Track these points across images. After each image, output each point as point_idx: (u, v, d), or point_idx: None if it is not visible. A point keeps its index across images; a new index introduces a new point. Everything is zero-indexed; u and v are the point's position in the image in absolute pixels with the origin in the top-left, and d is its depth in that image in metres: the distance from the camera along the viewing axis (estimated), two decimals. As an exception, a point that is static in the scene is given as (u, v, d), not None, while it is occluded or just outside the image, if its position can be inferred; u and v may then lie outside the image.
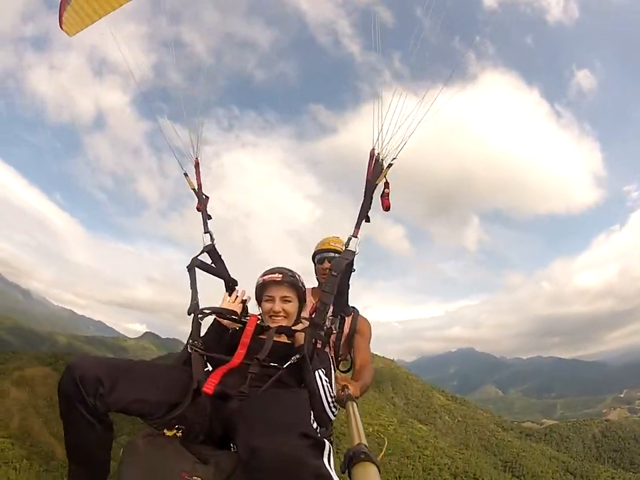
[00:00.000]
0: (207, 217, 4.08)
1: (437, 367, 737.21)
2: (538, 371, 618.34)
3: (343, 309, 3.72)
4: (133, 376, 2.45)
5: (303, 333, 3.13)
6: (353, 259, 3.43)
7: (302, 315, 3.59)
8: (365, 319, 4.60)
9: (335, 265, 3.29)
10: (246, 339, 3.07)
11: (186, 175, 4.23)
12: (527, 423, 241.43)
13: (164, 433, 2.48)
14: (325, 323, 3.26)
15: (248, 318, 3.29)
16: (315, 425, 2.64)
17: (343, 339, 4.37)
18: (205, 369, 2.92)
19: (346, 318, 4.21)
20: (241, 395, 2.69)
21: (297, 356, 2.92)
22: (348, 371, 4.46)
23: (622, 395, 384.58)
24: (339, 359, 4.40)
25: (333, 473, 1.96)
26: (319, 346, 3.35)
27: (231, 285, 3.90)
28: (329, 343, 3.87)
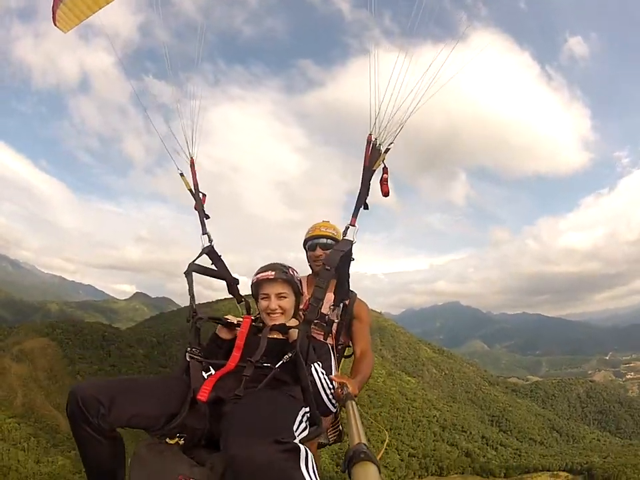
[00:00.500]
0: (204, 217, 4.06)
1: (424, 320, 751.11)
2: (524, 328, 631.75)
3: (344, 297, 3.86)
4: (130, 393, 2.56)
5: (297, 329, 3.18)
6: (351, 248, 3.46)
7: (301, 306, 3.59)
8: (362, 303, 4.42)
9: (329, 259, 3.34)
10: (240, 341, 3.14)
11: (182, 174, 4.16)
12: (512, 379, 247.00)
13: (166, 441, 2.60)
14: (317, 318, 3.37)
15: (242, 322, 3.31)
16: (303, 426, 2.60)
17: (345, 324, 4.28)
18: (208, 373, 3.01)
19: (344, 302, 4.16)
20: (236, 397, 2.76)
21: (290, 354, 2.99)
22: (351, 355, 4.38)
23: (607, 358, 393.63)
24: (339, 347, 4.30)
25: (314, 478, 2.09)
26: (320, 338, 3.70)
27: (232, 284, 3.96)
28: (331, 332, 4.03)
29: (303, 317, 3.32)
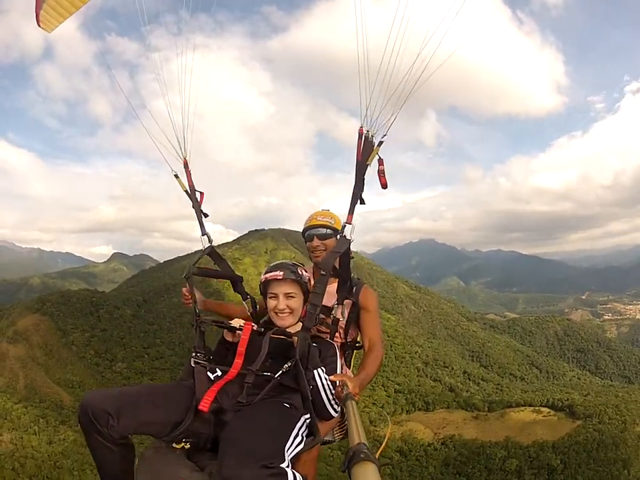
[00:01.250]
0: (202, 217, 4.05)
1: (399, 259, 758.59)
2: (499, 265, 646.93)
3: (348, 295, 3.85)
4: (137, 403, 2.70)
5: (300, 329, 3.22)
6: (349, 247, 3.43)
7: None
8: (369, 291, 4.23)
9: (324, 264, 3.28)
10: (241, 348, 3.16)
11: (177, 176, 4.12)
12: (490, 315, 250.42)
13: (173, 446, 2.79)
14: (316, 324, 3.28)
15: (243, 326, 3.31)
16: (298, 440, 2.71)
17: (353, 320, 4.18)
18: (214, 375, 3.14)
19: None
20: (239, 404, 2.88)
21: (290, 363, 3.03)
22: (362, 347, 4.20)
23: (584, 297, 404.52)
24: (349, 341, 4.18)
25: None
26: (326, 336, 3.76)
27: (237, 283, 4.04)
28: (337, 330, 3.93)
29: (301, 322, 3.30)
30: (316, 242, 4.18)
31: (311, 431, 2.92)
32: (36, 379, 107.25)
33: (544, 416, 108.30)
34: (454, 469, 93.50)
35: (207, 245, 3.97)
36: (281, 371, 3.01)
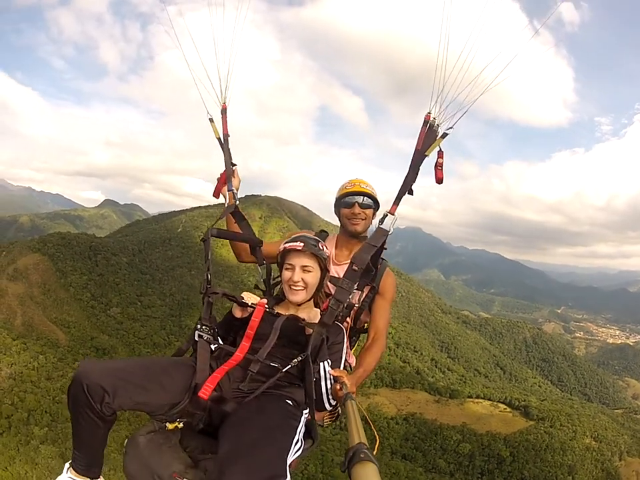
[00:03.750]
0: (231, 170, 3.91)
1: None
2: (481, 264, 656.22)
3: (370, 282, 3.66)
4: (134, 381, 2.59)
5: (318, 323, 3.08)
6: (385, 241, 3.36)
7: (325, 281, 3.48)
8: (390, 276, 3.94)
9: (359, 259, 3.21)
10: (251, 330, 3.04)
11: (211, 120, 3.95)
12: (465, 312, 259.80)
13: (165, 426, 2.71)
14: (334, 321, 3.22)
15: (256, 305, 3.16)
16: (299, 445, 2.55)
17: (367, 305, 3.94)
18: (216, 347, 3.04)
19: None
20: (240, 391, 2.79)
21: (299, 358, 2.93)
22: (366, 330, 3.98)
23: (559, 311, 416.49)
24: (357, 327, 3.95)
25: None
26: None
27: (256, 247, 3.83)
28: (350, 315, 3.71)
29: (320, 315, 3.17)
30: (357, 209, 3.88)
31: (309, 431, 2.83)
32: (33, 317, 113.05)
33: (500, 411, 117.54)
34: (412, 443, 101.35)
35: (232, 202, 3.84)
36: (289, 366, 2.91)
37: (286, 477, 2.20)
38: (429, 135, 3.27)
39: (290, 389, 2.94)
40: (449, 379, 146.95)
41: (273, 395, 2.84)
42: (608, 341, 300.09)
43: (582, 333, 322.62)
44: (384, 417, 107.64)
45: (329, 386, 3.00)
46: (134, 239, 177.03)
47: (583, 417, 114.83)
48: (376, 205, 3.94)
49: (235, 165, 3.94)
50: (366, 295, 3.80)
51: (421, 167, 3.34)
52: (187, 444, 2.74)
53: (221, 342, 3.14)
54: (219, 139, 3.93)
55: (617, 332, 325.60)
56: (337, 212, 4.05)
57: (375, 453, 2.01)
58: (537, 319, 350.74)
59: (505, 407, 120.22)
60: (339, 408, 3.51)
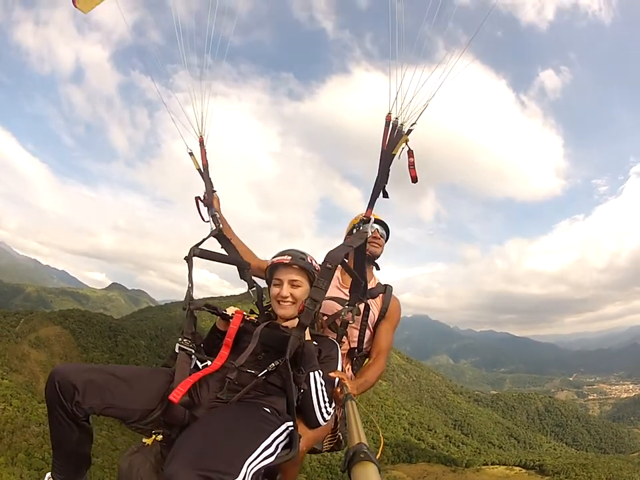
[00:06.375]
0: (212, 198, 4.05)
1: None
2: (490, 345, 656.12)
3: (361, 297, 3.69)
4: (107, 383, 2.60)
5: (296, 326, 3.05)
6: (364, 244, 3.39)
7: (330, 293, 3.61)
8: (396, 300, 4.27)
9: (332, 256, 3.07)
10: (229, 338, 3.07)
11: (191, 154, 4.10)
12: (476, 391, 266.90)
13: (144, 444, 2.79)
14: (314, 322, 3.29)
15: (233, 314, 3.24)
16: (269, 451, 2.43)
17: (369, 327, 4.15)
18: (203, 364, 3.07)
19: (373, 300, 4.15)
20: (218, 400, 2.80)
21: (277, 362, 2.87)
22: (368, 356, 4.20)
23: (571, 379, 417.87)
24: (360, 353, 4.14)
25: None
26: (332, 336, 3.55)
27: (244, 270, 3.86)
28: (346, 334, 3.80)
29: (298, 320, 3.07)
30: (377, 233, 4.20)
31: (291, 441, 2.68)
32: None
33: (516, 473, 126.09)
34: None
35: (215, 226, 3.88)
36: (265, 370, 2.86)
37: (235, 477, 2.08)
38: (394, 135, 3.26)
39: (272, 397, 2.90)
40: (463, 452, 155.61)
41: (249, 402, 2.83)
42: (622, 396, 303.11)
43: (595, 394, 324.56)
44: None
45: (320, 398, 2.93)
46: (150, 324, 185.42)
47: (598, 464, 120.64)
48: (387, 236, 4.42)
49: (215, 191, 4.11)
50: (363, 314, 3.97)
51: (390, 167, 3.30)
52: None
53: (202, 354, 3.14)
54: (199, 170, 4.07)
55: (631, 386, 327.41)
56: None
57: (379, 454, 2.06)
58: (550, 390, 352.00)
59: (520, 468, 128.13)
60: (339, 433, 3.75)
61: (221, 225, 3.94)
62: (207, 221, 3.97)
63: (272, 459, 2.45)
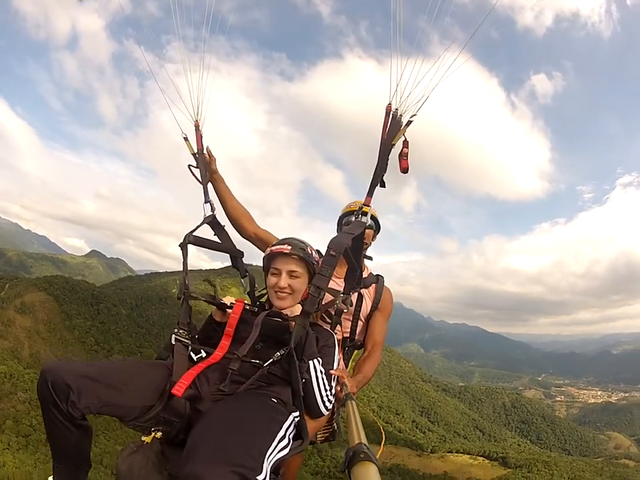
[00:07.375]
0: (207, 183, 3.94)
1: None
2: (462, 338, 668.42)
3: (356, 285, 3.67)
4: (103, 381, 2.47)
5: (299, 314, 2.91)
6: (363, 232, 3.29)
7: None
8: (388, 291, 4.34)
9: (334, 244, 2.93)
10: (230, 328, 2.99)
11: (186, 138, 4.02)
12: (444, 382, 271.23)
13: (142, 442, 2.60)
14: (318, 310, 3.16)
15: (233, 304, 3.13)
16: (283, 443, 2.36)
17: (361, 317, 4.19)
18: (198, 356, 3.00)
19: (366, 290, 4.20)
20: (219, 393, 2.67)
21: (282, 352, 2.77)
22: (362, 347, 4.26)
23: (540, 379, 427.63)
24: (352, 343, 4.21)
25: None
26: (326, 327, 3.41)
27: (237, 258, 3.82)
28: (340, 322, 3.71)
29: (301, 308, 2.96)
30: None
31: (299, 432, 2.65)
32: (39, 351, 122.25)
33: (479, 462, 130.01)
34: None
35: (209, 213, 3.77)
36: (271, 360, 2.75)
37: (259, 472, 1.98)
38: (393, 125, 3.24)
39: (276, 387, 2.79)
40: (429, 438, 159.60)
41: (256, 393, 2.73)
42: (589, 401, 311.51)
43: (562, 397, 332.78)
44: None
45: (322, 387, 2.88)
46: (131, 293, 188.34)
47: (560, 463, 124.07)
48: (377, 228, 4.39)
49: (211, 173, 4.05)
50: (356, 305, 4.05)
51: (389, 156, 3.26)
52: (168, 459, 2.55)
53: (199, 345, 3.07)
54: (194, 154, 3.98)
55: (599, 392, 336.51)
56: (340, 230, 4.29)
57: (381, 449, 2.12)
58: (517, 387, 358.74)
59: (484, 458, 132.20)
60: (334, 424, 3.79)
61: (215, 212, 3.85)
62: (207, 202, 3.86)
63: (286, 450, 2.37)
